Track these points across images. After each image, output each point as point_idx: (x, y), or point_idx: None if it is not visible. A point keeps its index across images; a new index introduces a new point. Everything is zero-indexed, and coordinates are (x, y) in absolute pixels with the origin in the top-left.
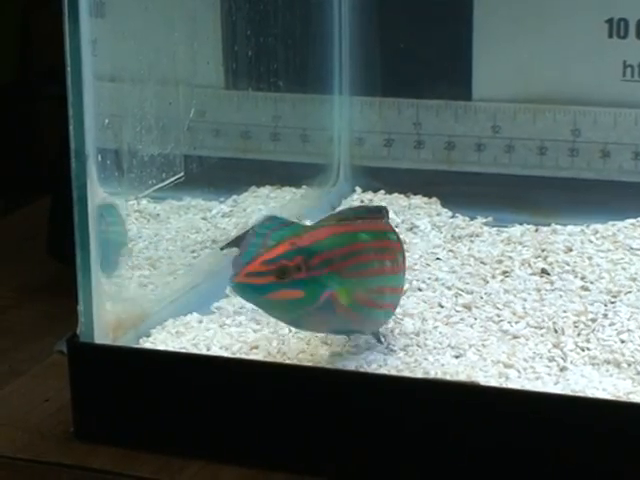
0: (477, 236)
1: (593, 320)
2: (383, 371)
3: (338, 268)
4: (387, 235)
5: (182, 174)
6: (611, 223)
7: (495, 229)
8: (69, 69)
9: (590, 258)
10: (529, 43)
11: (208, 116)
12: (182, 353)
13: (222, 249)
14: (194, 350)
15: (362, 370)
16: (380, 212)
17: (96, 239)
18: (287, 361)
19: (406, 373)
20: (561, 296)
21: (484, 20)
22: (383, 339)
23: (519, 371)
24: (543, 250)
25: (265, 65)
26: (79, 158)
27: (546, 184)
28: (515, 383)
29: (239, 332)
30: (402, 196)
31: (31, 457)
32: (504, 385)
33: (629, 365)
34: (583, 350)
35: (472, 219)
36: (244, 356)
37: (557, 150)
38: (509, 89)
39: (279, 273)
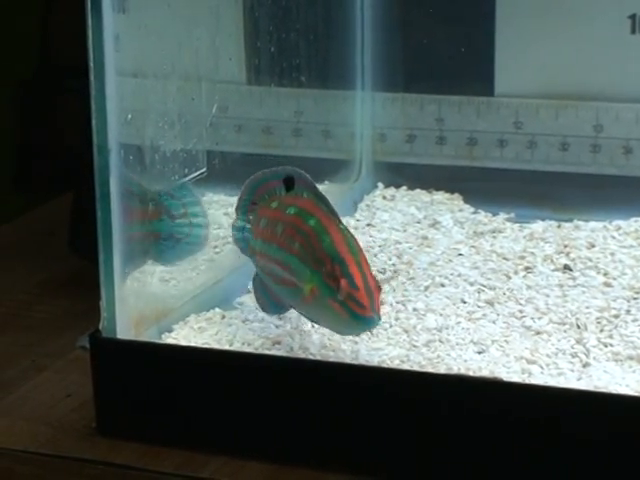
0: (499, 232)
1: (616, 316)
2: (406, 367)
3: None
4: None
5: (204, 169)
6: (634, 219)
7: (517, 225)
8: (92, 64)
9: (613, 254)
10: (551, 39)
11: (230, 112)
12: (204, 349)
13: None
14: (216, 346)
15: (385, 366)
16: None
17: (119, 233)
18: (309, 357)
19: (429, 369)
20: (584, 292)
21: (506, 15)
22: None
23: (542, 367)
24: (565, 246)
25: (287, 61)
26: (102, 153)
27: (568, 180)
28: (538, 379)
29: (261, 328)
30: (424, 192)
31: (54, 452)
32: (527, 381)
33: None
34: (606, 346)
35: (494, 215)
36: (266, 352)
37: (579, 146)
38: (531, 85)
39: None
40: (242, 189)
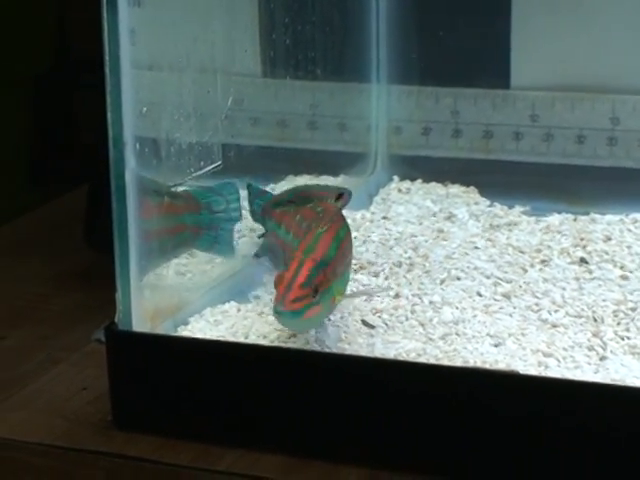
0: (515, 225)
1: (633, 309)
2: (422, 360)
3: (338, 273)
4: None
5: (220, 162)
6: None
7: (533, 218)
8: (107, 58)
9: (629, 247)
10: (567, 31)
11: (246, 104)
12: (220, 341)
13: (256, 256)
14: (232, 339)
15: (401, 359)
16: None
17: (134, 226)
18: (325, 349)
19: (445, 362)
20: (600, 285)
21: (522, 8)
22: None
23: (558, 360)
24: (582, 239)
25: (303, 53)
26: (117, 146)
27: (584, 173)
28: (555, 372)
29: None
30: (440, 185)
31: (69, 445)
32: (543, 374)
33: None
34: (623, 339)
35: (510, 208)
36: (282, 344)
37: (596, 139)
38: (547, 77)
39: (314, 293)
40: (285, 190)
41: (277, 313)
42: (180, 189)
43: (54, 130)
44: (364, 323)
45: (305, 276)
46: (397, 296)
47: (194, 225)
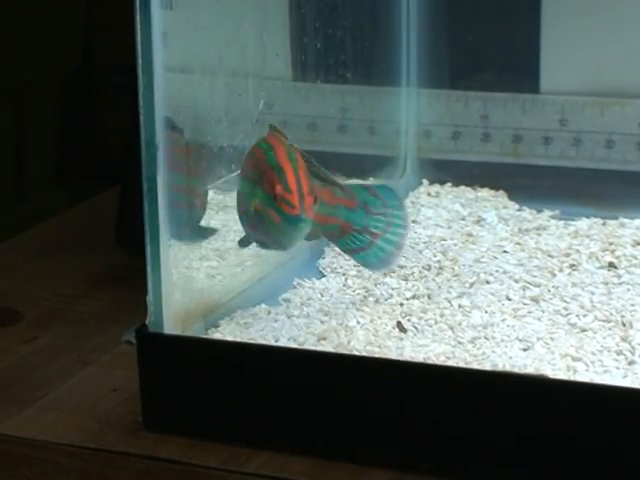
0: (544, 229)
1: None
2: (451, 363)
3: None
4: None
5: None
6: None
7: (562, 222)
8: (140, 61)
9: None
10: (597, 35)
11: (276, 108)
12: (250, 344)
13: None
14: (262, 341)
15: (430, 362)
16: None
17: (165, 228)
18: (355, 352)
19: (474, 365)
20: (629, 290)
21: (552, 12)
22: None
23: (587, 364)
24: (611, 243)
25: (333, 57)
26: (149, 149)
27: (613, 177)
28: (583, 376)
29: (307, 323)
30: (469, 189)
31: (100, 446)
32: (572, 378)
33: None
34: None
35: (539, 212)
36: (312, 347)
37: (625, 143)
38: (577, 82)
39: (314, 200)
40: None
41: (298, 221)
42: None
43: (81, 131)
44: (399, 325)
45: (310, 185)
46: (426, 299)
47: (349, 222)
